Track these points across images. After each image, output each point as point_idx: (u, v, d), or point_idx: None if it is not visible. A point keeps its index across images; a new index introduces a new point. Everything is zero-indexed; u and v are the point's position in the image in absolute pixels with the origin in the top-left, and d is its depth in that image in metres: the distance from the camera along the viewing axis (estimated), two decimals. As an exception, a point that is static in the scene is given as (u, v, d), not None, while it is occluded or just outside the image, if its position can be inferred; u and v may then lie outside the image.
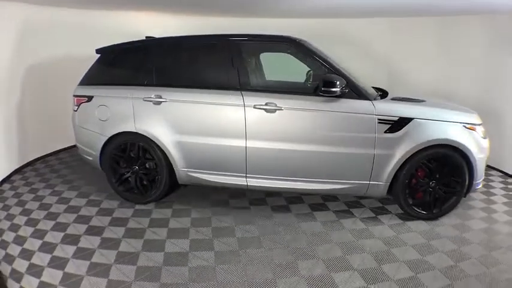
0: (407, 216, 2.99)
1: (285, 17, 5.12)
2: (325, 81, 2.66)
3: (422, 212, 2.93)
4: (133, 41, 3.38)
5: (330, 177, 2.91)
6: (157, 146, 3.08)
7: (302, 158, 2.87)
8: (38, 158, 4.41)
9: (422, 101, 2.95)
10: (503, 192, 3.51)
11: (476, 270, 2.31)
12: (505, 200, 3.32)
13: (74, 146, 4.80)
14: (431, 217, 2.94)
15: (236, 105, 2.86)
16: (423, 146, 2.71)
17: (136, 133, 3.10)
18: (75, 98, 3.36)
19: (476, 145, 2.75)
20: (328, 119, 2.78)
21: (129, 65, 3.29)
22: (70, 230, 2.80)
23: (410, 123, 2.71)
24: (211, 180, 3.10)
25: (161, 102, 3.02)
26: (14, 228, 2.83)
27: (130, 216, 3.04)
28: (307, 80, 3.87)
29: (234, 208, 3.20)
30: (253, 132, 2.87)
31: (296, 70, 3.83)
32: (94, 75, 3.36)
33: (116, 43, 3.37)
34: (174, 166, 3.10)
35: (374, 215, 3.07)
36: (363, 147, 2.78)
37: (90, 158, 3.40)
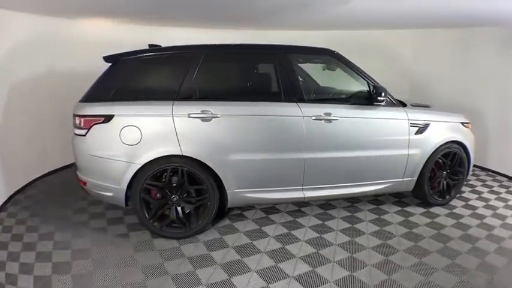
0: (424, 204, 3.68)
1: (302, 29, 5.41)
2: (379, 91, 3.11)
3: (439, 199, 3.66)
4: (163, 48, 3.08)
5: (375, 178, 3.35)
6: (207, 168, 2.90)
7: (354, 163, 3.23)
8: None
9: (429, 105, 3.73)
10: (474, 177, 4.63)
11: (507, 233, 3.13)
12: (480, 183, 4.45)
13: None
14: (445, 202, 3.70)
15: (295, 116, 3.00)
16: (442, 143, 3.45)
17: (182, 156, 2.84)
18: (82, 119, 2.80)
19: (470, 139, 3.67)
20: (376, 125, 3.24)
21: (160, 76, 2.98)
22: None
23: (430, 125, 3.42)
24: (268, 197, 3.12)
25: (212, 118, 2.88)
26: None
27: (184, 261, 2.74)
28: None
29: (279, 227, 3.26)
30: (311, 143, 3.06)
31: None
32: (107, 89, 2.88)
33: (133, 50, 3.01)
34: (227, 188, 2.97)
35: (401, 208, 3.65)
36: (400, 148, 3.33)
37: (109, 194, 2.89)
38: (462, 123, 3.64)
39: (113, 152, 2.79)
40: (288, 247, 2.88)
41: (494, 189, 4.24)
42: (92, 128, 2.78)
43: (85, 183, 2.96)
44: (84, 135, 2.80)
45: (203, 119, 2.85)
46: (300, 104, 3.04)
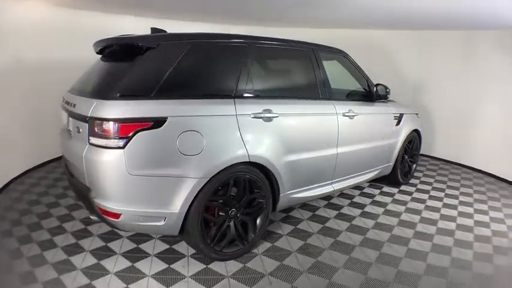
0: (392, 185, 4.61)
1: (303, 26, 5.62)
2: (384, 89, 3.75)
3: (405, 179, 4.66)
4: (214, 34, 2.77)
5: (374, 165, 4.04)
6: (266, 173, 2.85)
7: (366, 154, 3.81)
8: None
9: (395, 101, 4.66)
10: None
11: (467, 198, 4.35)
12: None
13: None
14: (408, 181, 4.74)
15: (333, 113, 3.33)
16: (409, 132, 4.41)
17: (248, 163, 2.68)
18: (118, 125, 2.18)
19: (421, 127, 4.80)
20: (380, 119, 3.93)
21: (214, 68, 2.67)
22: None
23: (403, 117, 4.32)
24: (309, 195, 3.33)
25: (272, 118, 2.83)
26: None
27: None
28: None
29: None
30: (342, 139, 3.43)
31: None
32: (146, 82, 2.36)
33: (174, 32, 2.64)
34: (281, 192, 3.01)
35: (380, 190, 4.46)
36: (388, 138, 4.11)
37: (160, 224, 2.41)
38: (416, 114, 4.74)
39: (170, 167, 2.33)
40: (339, 238, 3.19)
41: (429, 167, 5.68)
42: (136, 136, 2.21)
43: (118, 216, 2.35)
44: (123, 148, 2.22)
45: (265, 119, 2.79)
46: (333, 102, 3.37)
